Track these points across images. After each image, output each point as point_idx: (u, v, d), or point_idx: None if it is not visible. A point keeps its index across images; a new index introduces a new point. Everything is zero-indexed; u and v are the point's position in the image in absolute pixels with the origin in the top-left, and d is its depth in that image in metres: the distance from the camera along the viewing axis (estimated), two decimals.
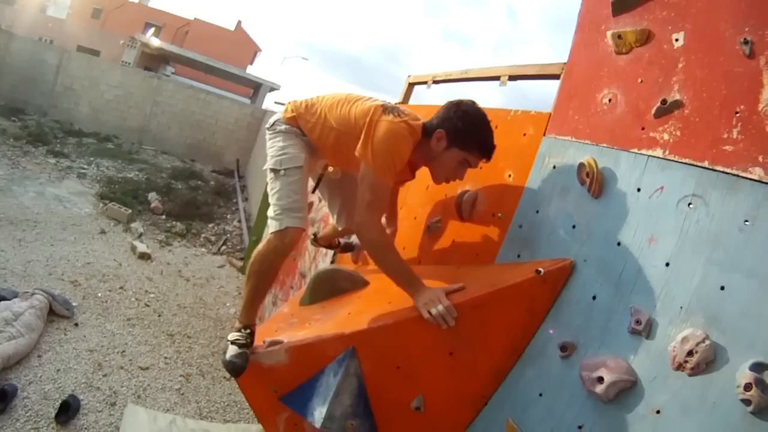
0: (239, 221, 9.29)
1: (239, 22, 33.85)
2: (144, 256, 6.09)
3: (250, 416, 3.62)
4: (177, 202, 8.87)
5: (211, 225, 8.59)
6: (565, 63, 1.93)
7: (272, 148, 2.07)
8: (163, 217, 8.16)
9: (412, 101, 3.43)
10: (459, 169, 1.89)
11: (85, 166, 10.06)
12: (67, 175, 9.05)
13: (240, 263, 6.91)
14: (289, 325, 2.05)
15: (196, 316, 5.03)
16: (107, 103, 15.23)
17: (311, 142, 2.08)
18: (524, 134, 1.98)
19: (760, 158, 1.24)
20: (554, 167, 1.80)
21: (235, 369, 1.81)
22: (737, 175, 1.28)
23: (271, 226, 1.92)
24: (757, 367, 1.12)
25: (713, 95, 1.40)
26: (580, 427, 1.42)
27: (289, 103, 2.15)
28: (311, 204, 3.83)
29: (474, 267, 1.94)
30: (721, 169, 1.32)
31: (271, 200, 1.97)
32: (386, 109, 1.85)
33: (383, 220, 2.24)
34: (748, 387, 1.11)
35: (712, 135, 1.36)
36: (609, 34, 1.74)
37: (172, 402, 3.57)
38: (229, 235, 8.46)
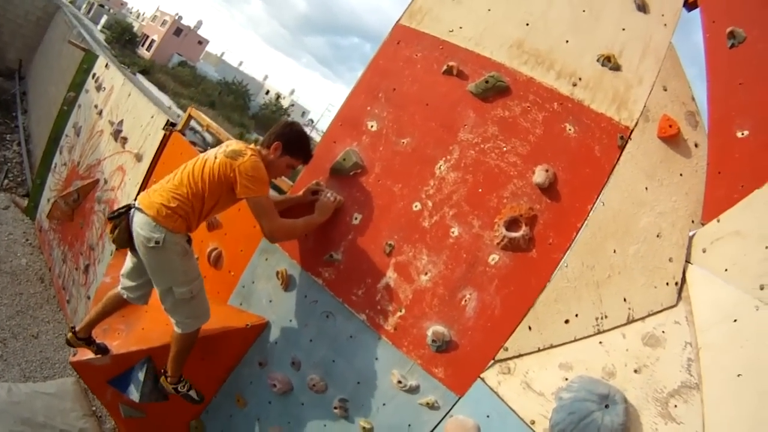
0: (19, 144, 8.52)
1: None
2: None
3: (61, 370, 4.20)
4: None
5: None
6: None
7: (171, 273, 2.30)
8: None
9: None
10: (287, 170, 2.55)
11: None
12: None
13: (24, 203, 6.46)
14: (103, 331, 2.79)
15: None
16: None
17: (191, 229, 2.37)
18: (254, 227, 2.66)
19: (354, 290, 2.40)
20: (266, 259, 2.71)
21: (201, 399, 2.63)
22: (351, 312, 2.41)
23: (182, 327, 2.39)
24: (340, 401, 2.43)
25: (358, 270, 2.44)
26: (270, 402, 2.65)
27: (158, 205, 2.23)
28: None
29: (218, 304, 2.83)
30: (347, 307, 2.43)
31: (183, 310, 2.37)
32: (234, 154, 2.30)
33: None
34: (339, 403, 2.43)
35: (354, 287, 2.42)
36: None
37: (0, 370, 3.88)
38: (10, 164, 7.60)
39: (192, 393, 2.59)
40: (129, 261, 2.47)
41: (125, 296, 2.53)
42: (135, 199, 2.31)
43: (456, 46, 2.48)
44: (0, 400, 3.16)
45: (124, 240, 2.31)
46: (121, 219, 2.30)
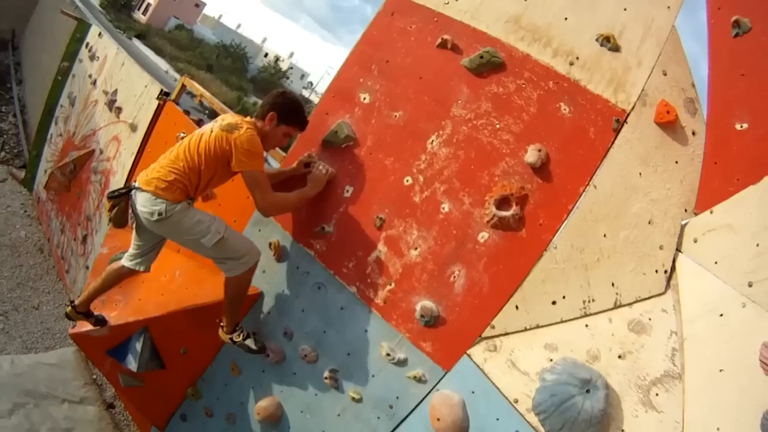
0: (14, 116, 8.32)
1: None
2: None
3: (62, 340, 4.24)
4: None
5: None
6: None
7: (189, 231, 2.33)
8: None
9: None
10: (284, 140, 2.55)
11: None
12: None
13: (21, 174, 6.39)
14: (101, 302, 2.86)
15: None
16: None
17: (195, 197, 2.42)
18: (247, 197, 2.65)
19: (345, 263, 2.42)
20: (259, 230, 2.73)
21: (260, 349, 2.60)
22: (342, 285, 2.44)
23: (236, 268, 2.39)
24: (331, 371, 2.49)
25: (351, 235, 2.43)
26: (263, 371, 2.71)
27: (156, 181, 2.28)
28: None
29: (213, 274, 2.84)
30: (338, 279, 2.45)
31: (225, 252, 2.37)
32: (230, 127, 2.32)
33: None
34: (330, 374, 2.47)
35: (345, 259, 2.44)
36: None
37: (2, 342, 3.91)
38: (6, 135, 7.51)
39: (249, 342, 2.59)
40: (133, 233, 2.54)
41: (129, 264, 2.56)
42: (135, 181, 2.34)
43: (451, 19, 2.40)
44: (3, 373, 3.25)
45: (123, 220, 2.40)
46: (121, 199, 2.34)
